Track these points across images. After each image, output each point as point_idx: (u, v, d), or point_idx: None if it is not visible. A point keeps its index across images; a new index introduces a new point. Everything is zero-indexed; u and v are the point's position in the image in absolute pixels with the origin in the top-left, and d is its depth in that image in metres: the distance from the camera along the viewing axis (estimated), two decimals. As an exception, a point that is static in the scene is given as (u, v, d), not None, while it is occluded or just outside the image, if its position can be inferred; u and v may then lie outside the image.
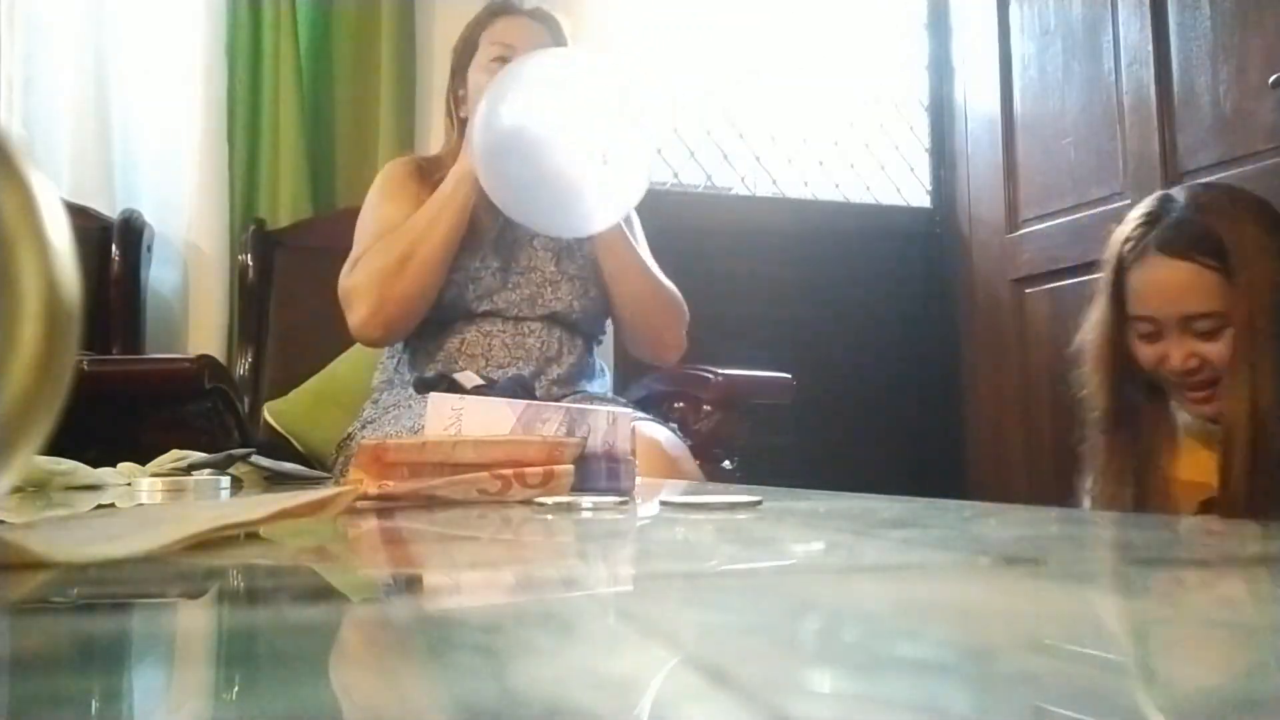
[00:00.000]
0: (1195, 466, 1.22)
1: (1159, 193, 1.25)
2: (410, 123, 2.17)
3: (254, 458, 1.14)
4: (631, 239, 1.53)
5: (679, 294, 1.57)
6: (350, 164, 2.16)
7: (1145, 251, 1.18)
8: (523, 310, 1.50)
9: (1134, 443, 1.24)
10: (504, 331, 1.48)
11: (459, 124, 1.56)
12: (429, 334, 1.50)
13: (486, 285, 1.49)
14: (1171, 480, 1.23)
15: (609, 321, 1.63)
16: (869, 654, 0.24)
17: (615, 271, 1.51)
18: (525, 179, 1.28)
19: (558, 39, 1.57)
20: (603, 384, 1.59)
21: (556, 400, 1.34)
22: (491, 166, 1.30)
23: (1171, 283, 1.16)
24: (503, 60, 1.50)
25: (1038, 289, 2.42)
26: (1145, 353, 1.20)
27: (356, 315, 1.43)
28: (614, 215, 1.38)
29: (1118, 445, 1.25)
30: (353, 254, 1.49)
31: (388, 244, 1.42)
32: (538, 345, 1.49)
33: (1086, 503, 1.32)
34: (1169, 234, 1.17)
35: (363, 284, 1.42)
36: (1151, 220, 1.20)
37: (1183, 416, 1.25)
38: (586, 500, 0.66)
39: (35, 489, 0.92)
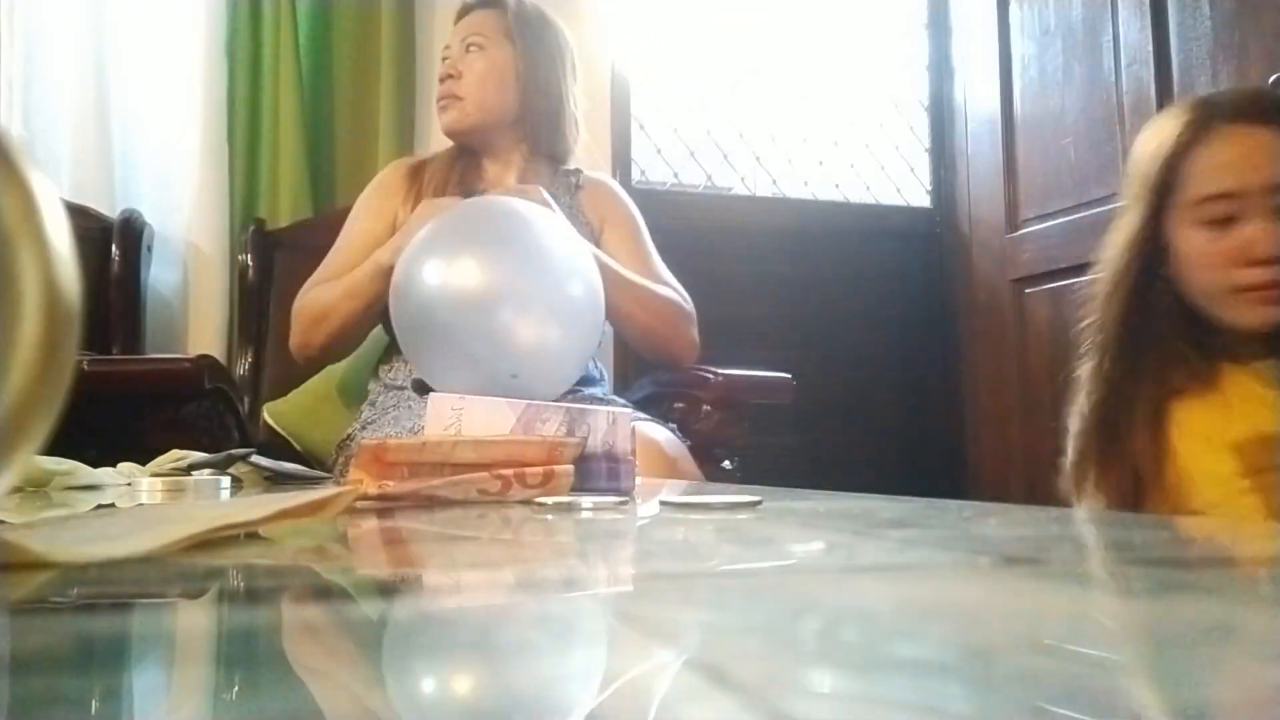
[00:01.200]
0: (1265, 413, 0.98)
1: (1191, 96, 1.09)
2: (410, 123, 2.17)
3: (254, 458, 1.14)
4: (615, 265, 1.45)
5: (679, 298, 1.54)
6: (350, 164, 2.16)
7: (1214, 128, 1.02)
8: None
9: (1162, 393, 1.02)
10: None
11: None
12: None
13: None
14: (1237, 443, 0.98)
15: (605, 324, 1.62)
16: (869, 654, 0.24)
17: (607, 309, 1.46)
18: (434, 358, 1.17)
19: (511, 19, 1.53)
20: (600, 388, 1.59)
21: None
22: (404, 333, 1.21)
23: (1255, 148, 1.00)
24: (444, 60, 1.53)
25: (1038, 289, 2.42)
26: (1208, 252, 1.01)
27: (291, 339, 1.54)
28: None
29: (1137, 394, 1.02)
30: (322, 265, 1.53)
31: (320, 294, 1.48)
32: None
33: (1082, 489, 1.14)
34: (1243, 103, 1.04)
35: (296, 319, 1.51)
36: (1206, 104, 1.05)
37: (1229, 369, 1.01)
38: (586, 500, 0.66)
39: (35, 489, 0.92)
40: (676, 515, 0.63)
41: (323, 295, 1.47)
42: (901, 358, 2.64)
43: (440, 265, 1.15)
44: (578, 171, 1.63)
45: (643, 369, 1.93)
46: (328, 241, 1.64)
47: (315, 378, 1.85)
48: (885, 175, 2.74)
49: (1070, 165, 2.32)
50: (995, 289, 2.54)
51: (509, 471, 0.69)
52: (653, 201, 2.45)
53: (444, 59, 1.54)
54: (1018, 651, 0.24)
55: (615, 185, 1.70)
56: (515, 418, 0.80)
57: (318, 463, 1.71)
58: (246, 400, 1.89)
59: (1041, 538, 0.49)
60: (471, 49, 1.50)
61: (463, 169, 1.56)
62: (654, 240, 1.64)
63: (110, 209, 1.96)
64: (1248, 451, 0.96)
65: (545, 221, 1.23)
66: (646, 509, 0.69)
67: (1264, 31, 1.89)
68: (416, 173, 1.57)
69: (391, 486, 0.67)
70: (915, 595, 0.32)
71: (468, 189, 1.51)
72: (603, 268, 1.44)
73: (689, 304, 1.56)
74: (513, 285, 1.14)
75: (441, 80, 1.52)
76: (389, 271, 1.29)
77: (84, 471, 0.97)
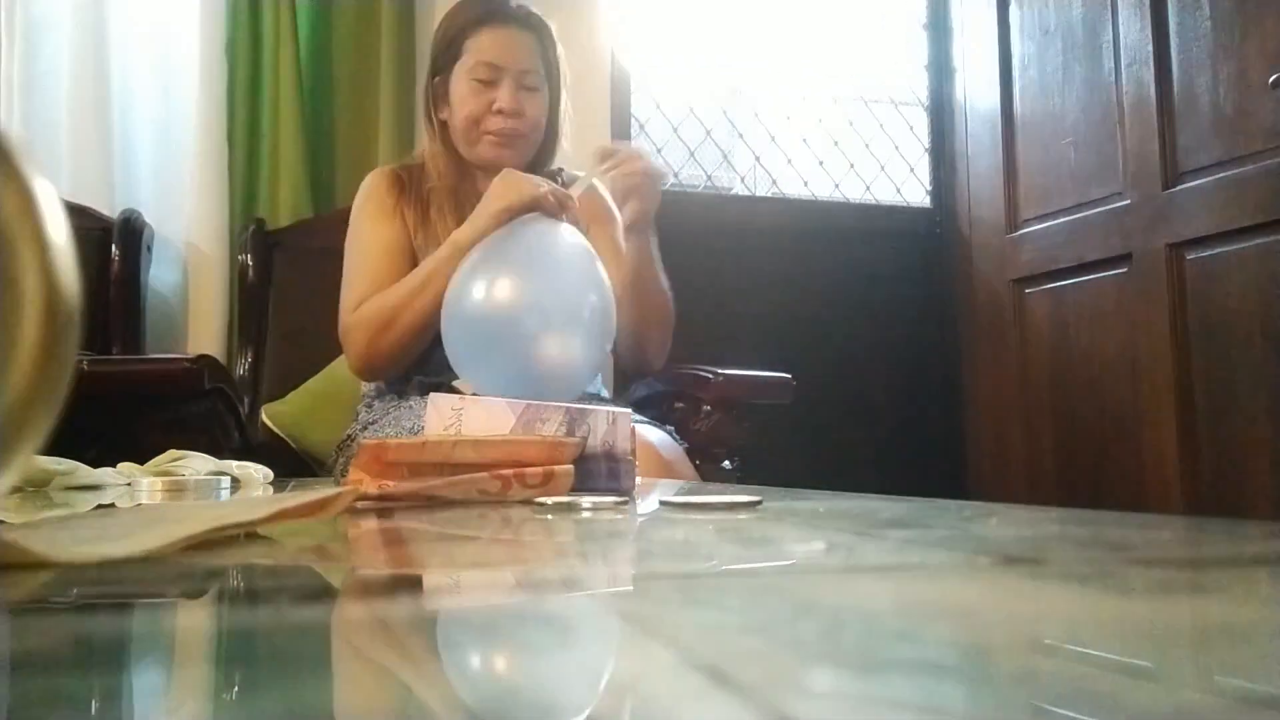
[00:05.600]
0: None
1: None
2: (410, 123, 2.17)
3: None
4: (653, 251, 1.53)
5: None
6: (350, 164, 2.16)
7: None
8: None
9: None
10: None
11: (439, 125, 1.55)
12: None
13: None
14: None
15: None
16: (869, 654, 0.24)
17: (639, 281, 1.51)
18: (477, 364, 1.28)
19: (547, 48, 1.55)
20: (595, 387, 1.59)
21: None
22: (452, 342, 1.30)
23: None
24: (485, 82, 1.49)
25: (1038, 289, 2.42)
26: None
27: (350, 357, 1.48)
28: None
29: None
30: (349, 287, 1.49)
31: (383, 299, 1.43)
32: None
33: None
34: None
35: (356, 332, 1.45)
36: None
37: None
38: (586, 500, 0.66)
39: (35, 489, 0.92)
40: (676, 515, 0.63)
41: (386, 300, 1.43)
42: (901, 358, 2.64)
43: (483, 285, 1.27)
44: (560, 170, 1.63)
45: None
46: (328, 242, 1.64)
47: (315, 378, 1.85)
48: (885, 175, 2.75)
49: (1070, 165, 2.32)
50: (995, 289, 2.54)
51: (509, 471, 0.69)
52: (653, 201, 2.46)
53: (483, 79, 1.48)
54: (1018, 651, 0.24)
55: (599, 184, 1.70)
56: (515, 418, 0.80)
57: (316, 464, 1.71)
58: (246, 400, 1.89)
59: (1041, 538, 0.49)
60: (526, 88, 1.51)
61: (460, 175, 1.55)
62: (653, 240, 1.64)
63: (110, 209, 1.96)
64: None
65: (570, 240, 1.34)
66: (646, 509, 0.69)
67: (1264, 31, 1.89)
68: (404, 179, 1.56)
69: (391, 486, 0.67)
70: (915, 595, 0.32)
71: (476, 196, 1.49)
72: (654, 259, 1.51)
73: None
74: (539, 302, 1.26)
75: (499, 113, 1.48)
76: (468, 249, 1.33)
77: (84, 471, 0.97)
